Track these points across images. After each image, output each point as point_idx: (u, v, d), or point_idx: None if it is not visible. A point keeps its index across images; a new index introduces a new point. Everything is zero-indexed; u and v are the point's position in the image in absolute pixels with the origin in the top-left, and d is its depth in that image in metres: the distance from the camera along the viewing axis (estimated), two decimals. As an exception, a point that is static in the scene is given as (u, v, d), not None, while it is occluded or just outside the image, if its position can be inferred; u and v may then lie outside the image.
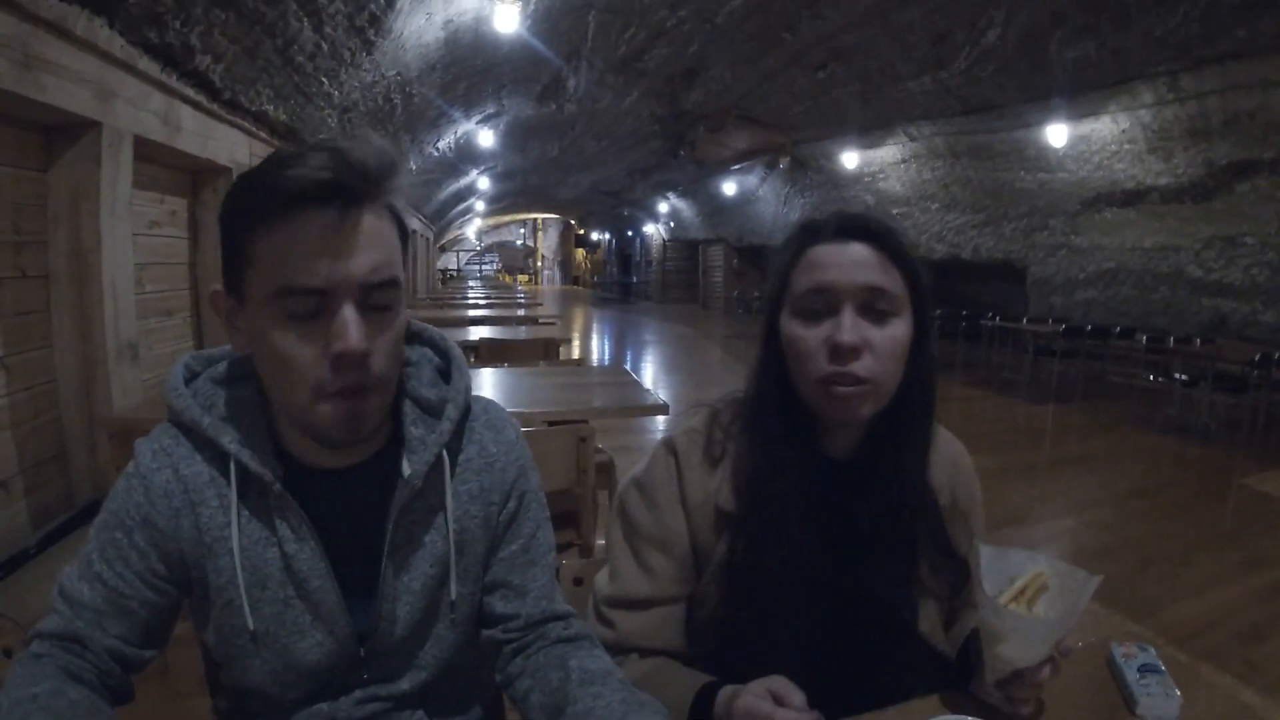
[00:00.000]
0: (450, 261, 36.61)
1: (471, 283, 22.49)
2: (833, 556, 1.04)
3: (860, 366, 0.96)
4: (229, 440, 0.90)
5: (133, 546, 0.90)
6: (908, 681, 1.07)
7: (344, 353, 0.79)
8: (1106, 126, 7.55)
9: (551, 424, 2.70)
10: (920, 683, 1.07)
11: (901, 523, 1.04)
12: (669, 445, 1.12)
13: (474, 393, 1.07)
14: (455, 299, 11.04)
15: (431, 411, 1.01)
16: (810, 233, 1.03)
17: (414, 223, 12.59)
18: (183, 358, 0.98)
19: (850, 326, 0.96)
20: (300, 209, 0.78)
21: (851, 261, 0.99)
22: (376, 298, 0.83)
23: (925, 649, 1.07)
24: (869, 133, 10.27)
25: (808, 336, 0.99)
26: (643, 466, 1.14)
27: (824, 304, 0.99)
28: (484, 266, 37.64)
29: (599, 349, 13.46)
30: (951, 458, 1.16)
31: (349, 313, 0.80)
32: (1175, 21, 5.60)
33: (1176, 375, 6.85)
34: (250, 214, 0.80)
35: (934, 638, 1.07)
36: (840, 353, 0.96)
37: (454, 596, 1.00)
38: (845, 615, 1.05)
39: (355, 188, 0.80)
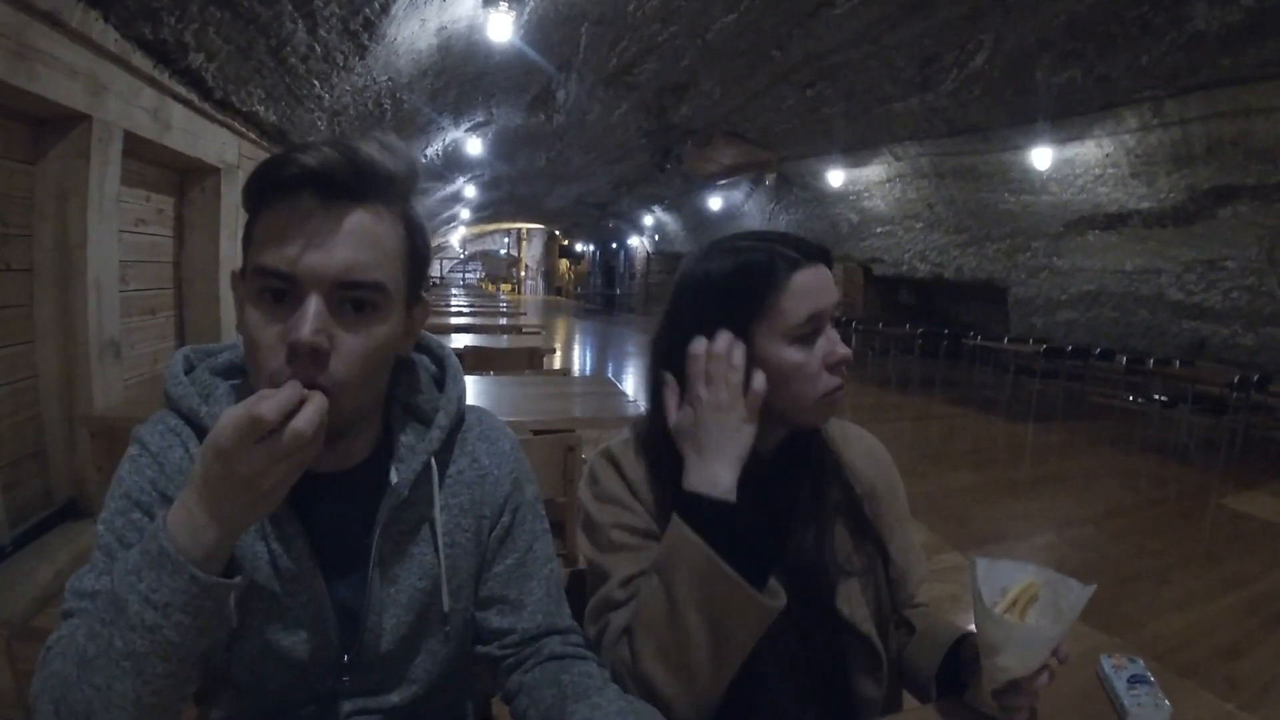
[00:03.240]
0: (433, 269, 36.55)
1: (454, 290, 22.39)
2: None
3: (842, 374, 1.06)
4: None
5: None
6: (847, 671, 1.12)
7: (296, 343, 0.76)
8: (1091, 150, 7.65)
9: (537, 433, 2.69)
10: (858, 672, 1.11)
11: (814, 500, 1.10)
12: (607, 454, 1.15)
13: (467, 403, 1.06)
14: (439, 306, 10.97)
15: (423, 420, 0.99)
16: (791, 258, 1.04)
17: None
18: (182, 349, 0.97)
19: (839, 340, 1.05)
20: (292, 194, 0.78)
21: (830, 284, 1.06)
22: (354, 298, 0.81)
23: (853, 634, 1.10)
24: (855, 151, 10.35)
25: (809, 360, 1.03)
26: (588, 477, 1.17)
27: (816, 327, 1.04)
28: (467, 275, 37.56)
29: (582, 359, 13.43)
30: (869, 451, 1.24)
31: (312, 304, 0.77)
32: (1160, 50, 5.69)
33: (1156, 396, 6.92)
34: (254, 195, 0.81)
35: (855, 618, 1.10)
36: (839, 367, 1.04)
37: (446, 609, 0.99)
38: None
39: (345, 182, 0.79)
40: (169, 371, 0.93)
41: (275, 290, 0.79)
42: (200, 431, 0.91)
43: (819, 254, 1.05)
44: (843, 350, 1.03)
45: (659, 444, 1.09)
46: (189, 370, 0.95)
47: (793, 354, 1.03)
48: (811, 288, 1.03)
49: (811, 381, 1.03)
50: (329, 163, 0.77)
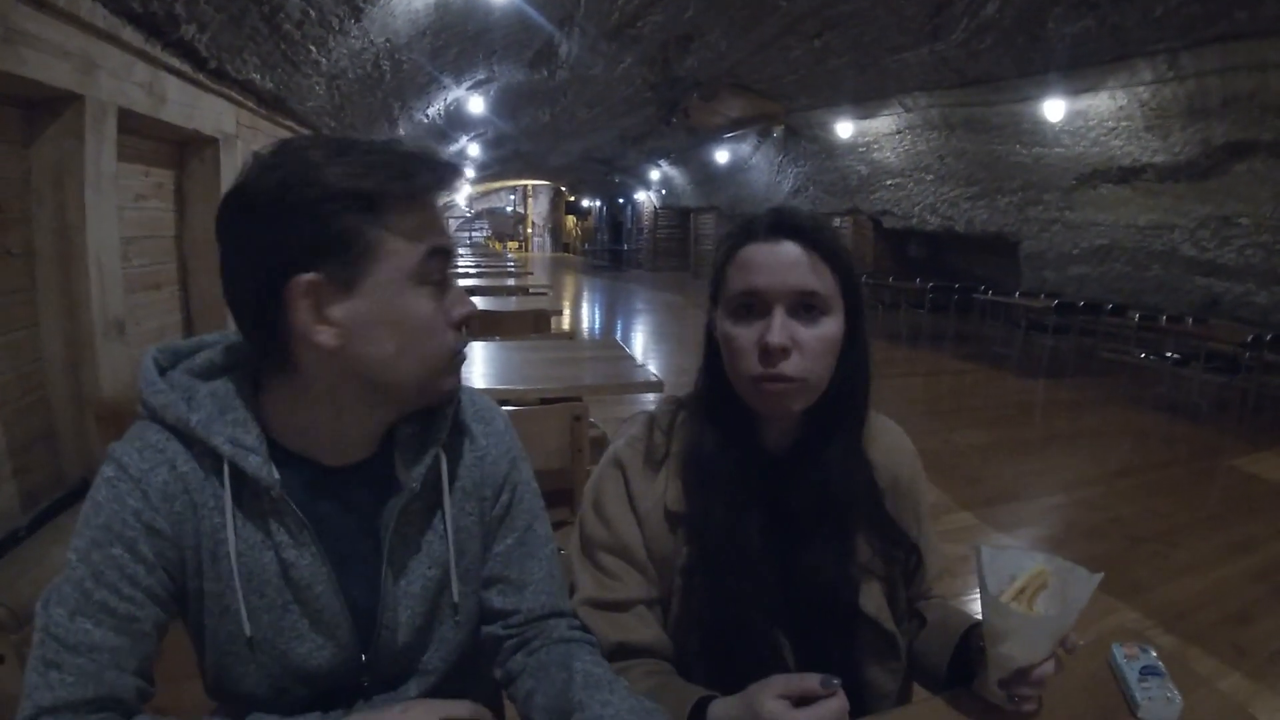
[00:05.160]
0: (440, 228, 36.27)
1: (461, 250, 22.26)
2: (775, 545, 1.07)
3: (789, 366, 0.99)
4: (222, 441, 0.84)
5: (139, 561, 0.81)
6: (859, 662, 1.11)
7: (468, 315, 0.94)
8: (1104, 103, 7.48)
9: (544, 401, 2.68)
10: (872, 663, 1.11)
11: (834, 510, 1.07)
12: (614, 458, 1.15)
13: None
14: (445, 267, 10.92)
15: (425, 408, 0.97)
16: (744, 232, 1.05)
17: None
18: (149, 351, 0.90)
19: (779, 328, 0.98)
20: (428, 194, 0.85)
21: (783, 263, 1.01)
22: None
23: (873, 628, 1.10)
24: (864, 103, 10.17)
25: (740, 335, 1.02)
26: (594, 481, 1.17)
27: (756, 304, 1.02)
28: (473, 233, 37.37)
29: (590, 317, 13.42)
30: (892, 444, 1.20)
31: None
32: (1176, 0, 5.53)
33: (1168, 354, 6.85)
34: (374, 206, 0.81)
35: (880, 617, 1.10)
36: (770, 354, 0.98)
37: (456, 598, 0.98)
38: (793, 600, 1.07)
39: (451, 181, 0.89)
40: (143, 379, 0.87)
41: (441, 271, 0.90)
42: (189, 442, 0.85)
43: (784, 229, 1.02)
44: (771, 339, 0.97)
45: (704, 401, 1.12)
46: (161, 373, 0.89)
47: (727, 326, 1.04)
48: (753, 263, 1.02)
49: (740, 359, 1.02)
50: (447, 168, 0.89)
